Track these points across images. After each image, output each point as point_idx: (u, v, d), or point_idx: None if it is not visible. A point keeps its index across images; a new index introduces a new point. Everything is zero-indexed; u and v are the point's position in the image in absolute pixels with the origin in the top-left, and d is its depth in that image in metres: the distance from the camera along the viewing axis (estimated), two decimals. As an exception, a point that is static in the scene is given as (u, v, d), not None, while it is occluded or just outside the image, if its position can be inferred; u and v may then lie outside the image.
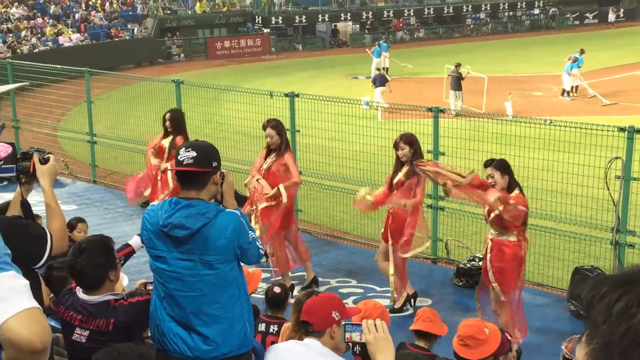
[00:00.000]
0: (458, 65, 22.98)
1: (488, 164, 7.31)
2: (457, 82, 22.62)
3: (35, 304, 2.02)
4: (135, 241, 5.10)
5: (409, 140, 8.03)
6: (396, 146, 8.07)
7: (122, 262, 4.82)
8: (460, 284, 9.11)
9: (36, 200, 4.82)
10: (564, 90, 24.93)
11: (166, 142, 9.75)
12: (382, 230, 8.41)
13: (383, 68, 29.85)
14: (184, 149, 4.27)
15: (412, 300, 8.41)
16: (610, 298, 1.38)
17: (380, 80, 23.55)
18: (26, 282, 2.05)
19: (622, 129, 8.52)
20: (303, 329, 3.82)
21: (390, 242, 8.16)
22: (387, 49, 31.33)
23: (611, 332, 1.35)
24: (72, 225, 8.03)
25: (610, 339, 1.36)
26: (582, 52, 25.26)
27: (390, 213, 8.21)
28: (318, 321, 3.78)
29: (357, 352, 3.58)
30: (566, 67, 24.71)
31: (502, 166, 7.17)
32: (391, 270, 8.22)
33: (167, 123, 9.64)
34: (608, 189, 8.48)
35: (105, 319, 4.14)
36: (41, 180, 3.92)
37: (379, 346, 3.00)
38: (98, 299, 4.18)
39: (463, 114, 19.75)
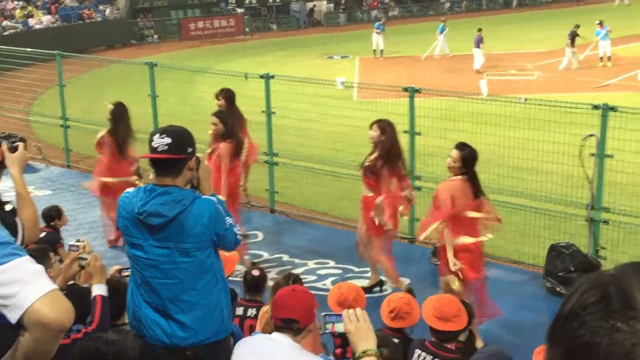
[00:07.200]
0: (577, 26, 25.36)
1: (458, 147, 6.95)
2: (572, 39, 24.98)
3: (54, 285, 2.08)
4: None
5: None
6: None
7: None
8: (438, 262, 9.14)
9: (6, 187, 4.73)
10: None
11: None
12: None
13: (378, 49, 29.66)
14: (158, 135, 4.18)
15: (381, 286, 8.42)
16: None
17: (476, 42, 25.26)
18: (41, 266, 2.13)
19: (596, 107, 8.56)
20: (285, 326, 3.70)
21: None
22: (383, 30, 30.38)
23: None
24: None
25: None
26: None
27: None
28: (304, 318, 3.71)
29: (336, 335, 3.60)
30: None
31: (463, 150, 6.85)
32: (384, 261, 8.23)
33: (109, 116, 9.47)
34: (583, 166, 8.55)
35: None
36: (10, 169, 3.83)
37: (360, 336, 3.00)
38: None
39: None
